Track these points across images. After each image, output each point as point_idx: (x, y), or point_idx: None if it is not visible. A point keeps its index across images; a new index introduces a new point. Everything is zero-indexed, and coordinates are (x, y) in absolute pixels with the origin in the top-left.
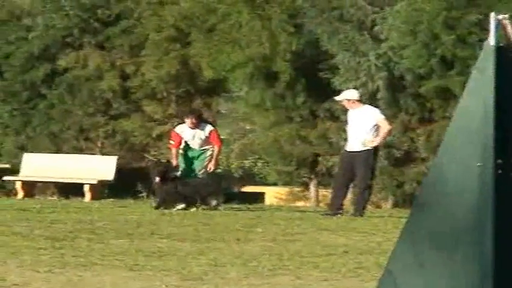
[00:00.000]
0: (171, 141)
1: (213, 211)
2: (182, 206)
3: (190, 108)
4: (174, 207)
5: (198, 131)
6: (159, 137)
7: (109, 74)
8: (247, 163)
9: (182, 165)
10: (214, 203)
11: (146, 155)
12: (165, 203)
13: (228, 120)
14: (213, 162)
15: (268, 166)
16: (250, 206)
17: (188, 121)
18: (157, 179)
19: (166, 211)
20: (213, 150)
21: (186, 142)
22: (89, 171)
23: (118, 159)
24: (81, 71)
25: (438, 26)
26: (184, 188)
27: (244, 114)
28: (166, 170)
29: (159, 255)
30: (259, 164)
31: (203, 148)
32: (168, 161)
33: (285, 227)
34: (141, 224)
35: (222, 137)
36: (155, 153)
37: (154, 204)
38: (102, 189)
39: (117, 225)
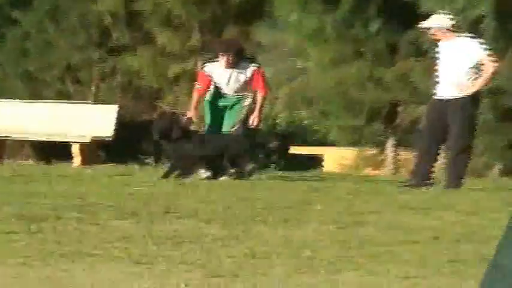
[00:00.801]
0: (198, 85)
1: (250, 181)
2: (207, 173)
3: (226, 40)
4: (195, 175)
5: (235, 71)
6: (177, 79)
7: None
8: (298, 115)
9: (208, 118)
10: (249, 168)
11: (159, 104)
12: (177, 169)
13: (272, 56)
14: (255, 114)
15: (327, 119)
16: (303, 174)
17: (223, 58)
18: (155, 137)
19: (186, 181)
20: (252, 98)
21: (216, 87)
22: (79, 126)
23: (119, 110)
24: None
25: None
26: (203, 147)
27: (295, 47)
28: (170, 125)
29: (175, 242)
30: (314, 117)
31: (240, 95)
32: (174, 113)
33: (350, 204)
34: (150, 200)
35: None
36: (171, 102)
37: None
38: (96, 151)
39: (117, 200)
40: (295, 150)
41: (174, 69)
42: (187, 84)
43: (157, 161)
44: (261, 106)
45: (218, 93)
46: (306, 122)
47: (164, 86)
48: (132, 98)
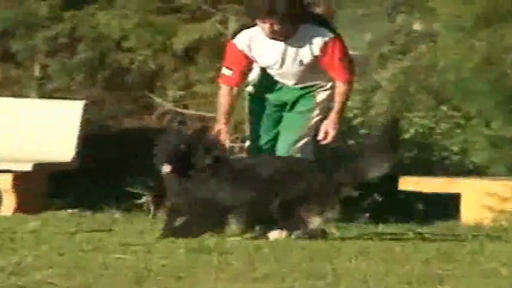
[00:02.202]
0: (226, 70)
1: (330, 242)
2: (276, 232)
3: None
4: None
5: (293, 44)
6: (190, 55)
7: None
8: (412, 118)
9: (253, 127)
10: (329, 215)
11: (156, 100)
12: (194, 224)
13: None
14: (331, 120)
15: (470, 126)
16: (424, 229)
17: (264, 23)
18: (164, 167)
19: (211, 241)
20: (331, 90)
21: (263, 71)
22: (11, 142)
23: (86, 110)
24: None
25: None
26: (241, 187)
27: None
28: (190, 146)
29: None
30: (441, 124)
31: (308, 85)
32: (203, 129)
33: None
34: (143, 280)
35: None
36: (178, 96)
37: (161, 230)
38: (43, 187)
39: (82, 281)
40: (406, 183)
41: (184, 37)
42: (208, 64)
43: (157, 205)
44: (342, 106)
45: (268, 83)
46: (424, 129)
47: (166, 66)
48: (109, 88)
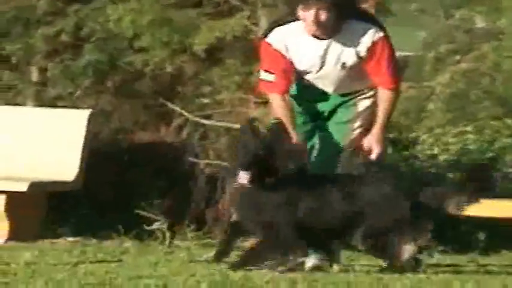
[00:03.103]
0: (265, 74)
1: (374, 275)
2: (314, 260)
3: None
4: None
5: (336, 43)
6: (213, 56)
7: None
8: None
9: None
10: (422, 242)
11: (170, 106)
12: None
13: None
14: (375, 133)
15: None
16: (488, 260)
17: (306, 15)
18: (241, 177)
19: (236, 274)
20: (374, 98)
21: (298, 75)
22: (4, 158)
23: (92, 121)
24: None
25: None
26: (332, 202)
27: None
28: (277, 147)
29: None
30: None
31: (347, 92)
32: (278, 124)
33: None
34: None
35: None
36: (203, 105)
37: (215, 253)
38: (41, 210)
39: None
40: (496, 209)
41: (206, 35)
42: (235, 67)
43: (174, 232)
44: (387, 117)
45: (302, 90)
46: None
47: (186, 69)
48: (119, 95)
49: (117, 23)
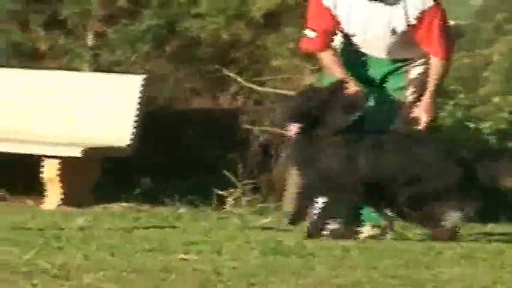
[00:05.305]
0: (308, 31)
1: (428, 243)
2: (367, 230)
3: None
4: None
5: (384, 8)
6: (270, 21)
7: None
8: None
9: None
10: (468, 210)
11: (227, 72)
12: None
13: None
14: (425, 103)
15: None
16: None
17: None
18: (290, 127)
19: (290, 241)
20: (425, 66)
21: (346, 38)
22: (58, 122)
23: (146, 86)
24: None
25: None
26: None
27: None
28: (331, 103)
29: None
30: None
31: (398, 59)
32: (341, 84)
33: None
34: (215, 281)
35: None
36: (257, 72)
37: (288, 216)
38: (95, 175)
39: (139, 283)
40: None
41: (262, 3)
42: (291, 33)
43: (254, 193)
44: (436, 87)
45: (351, 54)
46: None
47: (243, 35)
48: (174, 61)
49: None
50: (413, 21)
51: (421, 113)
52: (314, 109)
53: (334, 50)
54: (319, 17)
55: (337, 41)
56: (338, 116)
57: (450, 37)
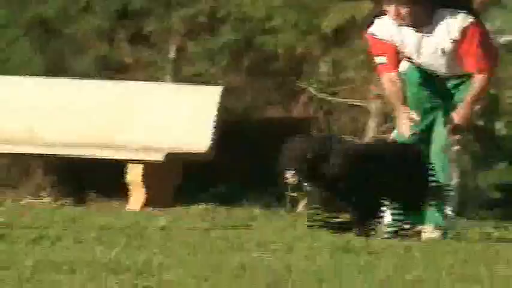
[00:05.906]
0: (377, 58)
1: (486, 242)
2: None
3: None
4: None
5: (427, 35)
6: (341, 36)
7: None
8: None
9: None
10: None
11: (299, 83)
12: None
13: None
14: (460, 112)
15: None
16: None
17: (389, 8)
18: (287, 174)
19: (358, 240)
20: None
21: (408, 58)
22: (142, 129)
23: (225, 96)
24: None
25: None
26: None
27: None
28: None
29: None
30: None
31: (460, 74)
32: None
33: None
34: (287, 278)
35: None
36: (325, 81)
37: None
38: (177, 178)
39: (216, 280)
40: None
41: (335, 17)
42: (360, 46)
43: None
44: (475, 96)
45: (420, 72)
46: None
47: (314, 49)
48: (251, 74)
49: (251, 5)
50: (456, 38)
51: (453, 115)
52: (307, 160)
53: (396, 78)
54: (381, 45)
55: (405, 62)
56: (332, 164)
57: (492, 52)
